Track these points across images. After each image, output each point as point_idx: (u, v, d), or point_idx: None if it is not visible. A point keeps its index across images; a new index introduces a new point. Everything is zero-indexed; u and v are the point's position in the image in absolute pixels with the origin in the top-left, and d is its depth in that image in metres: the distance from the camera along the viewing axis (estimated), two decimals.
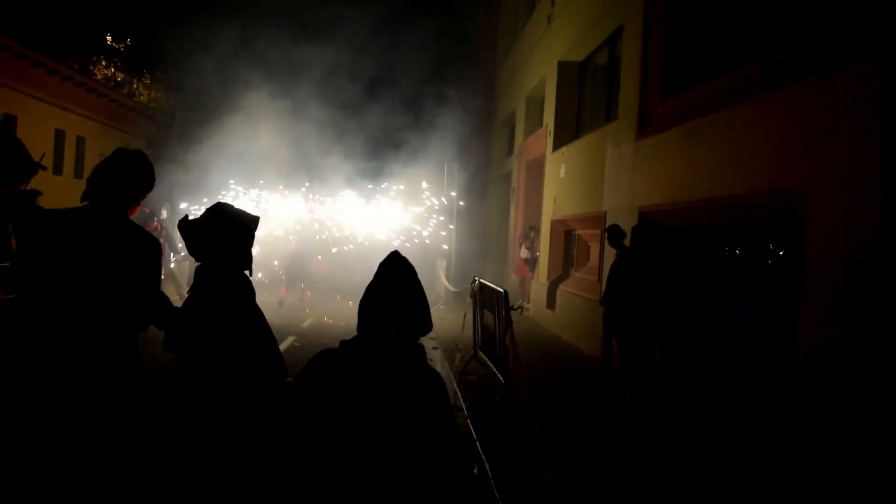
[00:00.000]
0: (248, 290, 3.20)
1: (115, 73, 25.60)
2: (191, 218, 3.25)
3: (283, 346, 9.92)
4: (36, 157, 4.19)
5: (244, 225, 3.20)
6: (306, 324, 12.58)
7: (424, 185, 19.80)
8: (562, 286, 12.94)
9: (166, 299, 3.27)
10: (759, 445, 5.40)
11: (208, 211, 3.20)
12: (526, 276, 16.08)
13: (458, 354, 9.56)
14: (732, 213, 7.08)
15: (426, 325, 2.53)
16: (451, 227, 18.97)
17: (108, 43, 25.50)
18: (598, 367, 9.11)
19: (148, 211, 14.97)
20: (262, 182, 19.43)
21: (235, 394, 3.00)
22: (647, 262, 7.58)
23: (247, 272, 3.24)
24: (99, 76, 23.62)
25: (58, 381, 2.92)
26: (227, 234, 3.15)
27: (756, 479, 5.13)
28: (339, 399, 2.37)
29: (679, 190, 7.99)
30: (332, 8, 22.90)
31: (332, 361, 2.46)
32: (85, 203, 3.11)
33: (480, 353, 8.70)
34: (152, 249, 3.17)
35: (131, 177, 3.18)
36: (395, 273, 2.54)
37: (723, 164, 7.04)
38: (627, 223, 9.35)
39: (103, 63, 24.84)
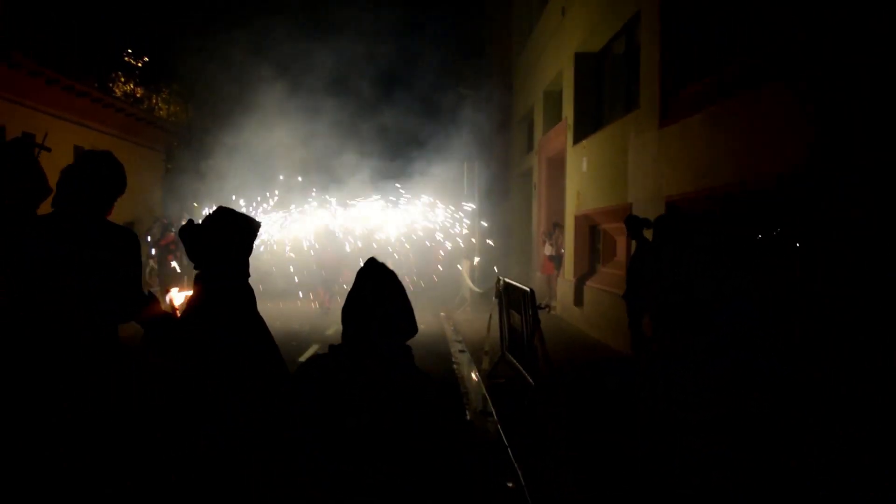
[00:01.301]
0: (249, 294, 3.14)
1: (134, 89, 25.74)
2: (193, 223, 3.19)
3: (307, 355, 9.77)
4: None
5: (246, 230, 3.11)
6: (331, 331, 12.41)
7: (436, 201, 19.69)
8: (588, 282, 12.65)
9: (153, 298, 3.28)
10: (760, 443, 5.31)
11: (211, 215, 3.10)
12: (552, 274, 15.79)
13: (486, 357, 9.32)
14: (760, 197, 6.78)
15: (409, 328, 2.58)
16: (480, 224, 18.73)
17: (127, 59, 25.65)
18: (628, 363, 8.82)
19: (166, 222, 14.94)
20: (276, 193, 19.35)
21: (236, 395, 3.00)
22: (664, 252, 7.29)
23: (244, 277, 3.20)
24: (118, 92, 23.75)
25: (54, 380, 2.97)
26: (229, 238, 3.11)
27: (757, 477, 4.99)
28: (337, 399, 2.41)
29: (705, 177, 7.70)
30: (346, 11, 22.83)
31: (327, 362, 2.51)
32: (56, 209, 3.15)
33: (508, 354, 8.45)
34: (131, 243, 3.23)
35: (100, 180, 3.22)
36: (372, 279, 2.59)
37: (750, 147, 6.74)
38: (654, 214, 9.05)
39: (122, 79, 24.98)
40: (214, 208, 3.14)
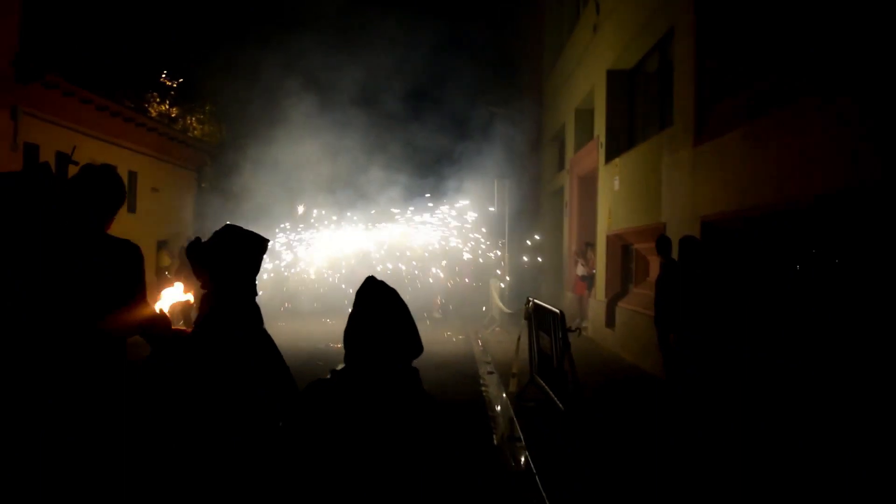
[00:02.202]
0: (256, 313, 3.06)
1: (169, 109, 26.10)
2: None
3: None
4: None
5: (253, 248, 3.00)
6: None
7: (472, 216, 19.59)
8: (620, 303, 12.37)
9: (164, 316, 3.24)
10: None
11: (218, 232, 2.99)
12: (583, 294, 15.52)
13: (514, 379, 9.10)
14: (804, 215, 6.52)
15: (414, 349, 2.49)
16: (499, 248, 18.54)
17: (163, 80, 26.05)
18: (660, 387, 8.56)
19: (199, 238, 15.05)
20: (306, 212, 19.38)
21: (239, 413, 2.94)
22: (691, 274, 7.52)
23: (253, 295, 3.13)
24: (153, 112, 24.07)
25: (53, 392, 2.94)
26: (236, 256, 3.03)
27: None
28: (340, 428, 2.35)
29: (743, 195, 7.45)
30: (377, 30, 22.93)
31: (327, 391, 2.43)
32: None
33: (538, 377, 8.23)
34: (133, 257, 3.16)
35: (99, 193, 3.15)
36: (374, 300, 2.50)
37: (794, 163, 6.49)
38: (689, 234, 8.81)
39: (157, 100, 25.34)
40: (223, 226, 3.05)
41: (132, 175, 18.59)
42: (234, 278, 2.99)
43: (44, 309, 2.97)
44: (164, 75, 26.59)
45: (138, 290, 3.20)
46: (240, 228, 3.05)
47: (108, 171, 3.28)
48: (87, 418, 2.97)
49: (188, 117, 27.02)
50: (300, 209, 19.64)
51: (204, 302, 2.99)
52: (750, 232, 7.61)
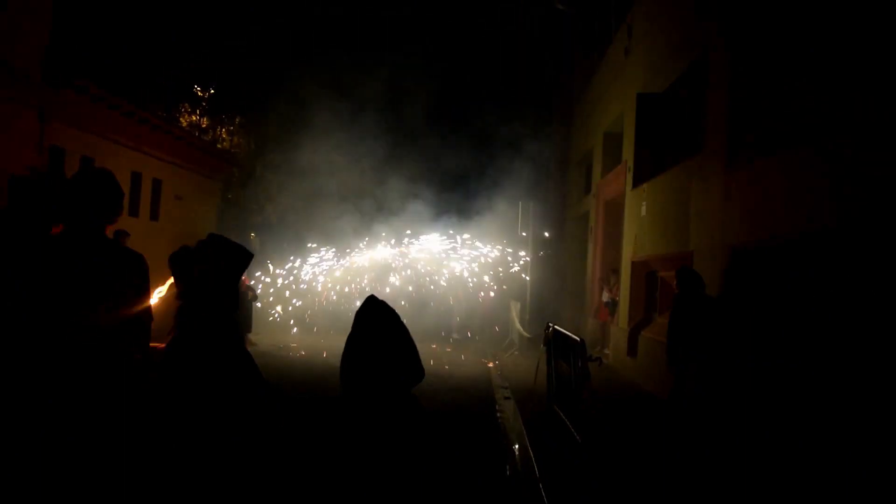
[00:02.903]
0: (232, 328, 3.02)
1: (199, 119, 26.24)
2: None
3: None
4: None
5: (235, 259, 2.85)
6: None
7: (501, 244, 19.45)
8: (644, 332, 12.03)
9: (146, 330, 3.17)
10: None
11: (203, 241, 2.85)
12: (606, 321, 15.17)
13: (532, 408, 8.81)
14: (835, 246, 6.21)
15: (414, 375, 2.38)
16: (522, 275, 18.24)
17: (195, 91, 26.23)
18: (663, 407, 8.35)
19: None
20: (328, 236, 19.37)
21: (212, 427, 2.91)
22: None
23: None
24: (184, 123, 24.19)
25: (53, 389, 2.92)
26: (217, 266, 2.90)
27: None
28: (337, 459, 2.26)
29: (778, 222, 7.14)
30: (407, 49, 22.94)
31: (326, 420, 2.33)
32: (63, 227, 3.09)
33: (555, 406, 7.92)
34: (138, 265, 3.12)
35: (100, 195, 3.12)
36: (375, 322, 2.36)
37: (827, 193, 6.19)
38: (718, 263, 8.51)
39: (188, 110, 25.49)
40: (208, 235, 2.90)
41: (157, 182, 18.59)
42: (212, 290, 2.82)
43: (43, 308, 2.96)
44: (196, 86, 26.79)
45: (138, 297, 3.12)
46: (225, 239, 2.92)
47: (106, 174, 3.26)
48: (85, 418, 2.94)
49: (218, 128, 27.15)
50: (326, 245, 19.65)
51: (177, 317, 2.83)
52: (782, 260, 7.29)
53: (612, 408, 9.08)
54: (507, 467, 6.59)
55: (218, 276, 2.89)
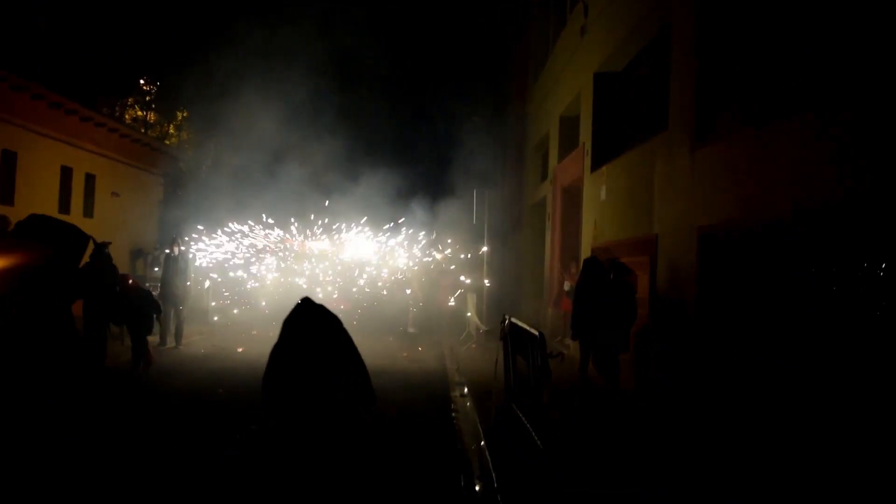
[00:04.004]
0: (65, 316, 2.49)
1: (146, 114, 25.12)
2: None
3: None
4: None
5: (64, 242, 2.28)
6: None
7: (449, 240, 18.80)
8: None
9: None
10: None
11: (21, 223, 2.23)
12: (569, 311, 14.60)
13: (491, 407, 8.17)
14: (813, 227, 5.70)
15: (362, 393, 1.88)
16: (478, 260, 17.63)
17: (142, 86, 25.11)
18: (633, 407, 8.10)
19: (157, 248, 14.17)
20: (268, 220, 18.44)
21: None
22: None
23: None
24: (128, 118, 23.06)
25: None
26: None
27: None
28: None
29: (749, 203, 6.60)
30: (357, 38, 22.16)
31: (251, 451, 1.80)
32: None
33: (514, 407, 7.28)
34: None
35: None
36: (309, 331, 1.90)
37: (804, 171, 5.65)
38: (684, 246, 7.97)
39: (133, 104, 24.37)
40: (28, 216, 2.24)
41: (90, 178, 17.53)
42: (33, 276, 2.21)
43: None
44: (142, 80, 25.69)
45: None
46: (51, 219, 2.31)
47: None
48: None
49: (165, 123, 26.07)
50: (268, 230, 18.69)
51: None
52: (753, 243, 6.76)
53: (574, 407, 8.49)
54: (462, 477, 5.93)
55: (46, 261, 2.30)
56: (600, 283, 8.76)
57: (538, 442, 5.97)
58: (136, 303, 10.05)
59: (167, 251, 13.12)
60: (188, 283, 13.02)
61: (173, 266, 12.76)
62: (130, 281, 10.39)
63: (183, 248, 13.27)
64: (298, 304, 1.72)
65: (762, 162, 6.45)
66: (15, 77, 13.55)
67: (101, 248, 9.77)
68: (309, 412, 1.68)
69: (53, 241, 2.84)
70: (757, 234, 6.64)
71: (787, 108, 6.16)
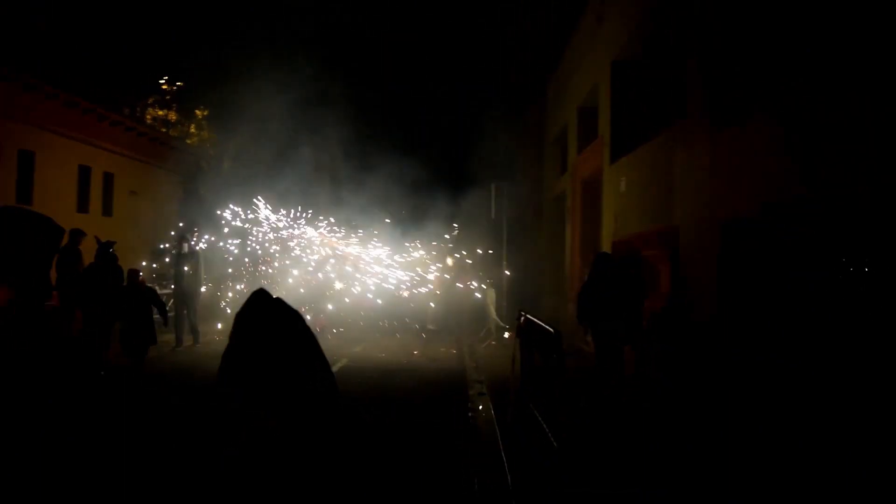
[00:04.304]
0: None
1: (167, 114, 25.14)
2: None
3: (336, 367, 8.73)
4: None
5: (34, 234, 2.04)
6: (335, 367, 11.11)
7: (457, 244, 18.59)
8: None
9: None
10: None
11: None
12: None
13: (508, 405, 7.96)
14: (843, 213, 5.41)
15: (323, 396, 1.84)
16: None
17: (162, 85, 25.14)
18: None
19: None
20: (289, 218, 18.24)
21: None
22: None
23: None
24: (149, 118, 23.07)
25: None
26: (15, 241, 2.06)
27: None
28: None
29: (772, 190, 6.33)
30: (378, 37, 22.03)
31: None
32: None
33: (531, 405, 7.07)
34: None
35: None
36: (263, 326, 1.86)
37: (832, 155, 5.38)
38: (707, 237, 7.70)
39: (154, 104, 24.40)
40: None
41: (108, 176, 17.53)
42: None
43: None
44: (163, 80, 25.71)
45: None
46: (22, 211, 2.07)
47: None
48: None
49: (186, 123, 26.11)
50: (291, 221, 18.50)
51: None
52: (779, 232, 6.48)
53: (593, 406, 8.26)
54: (476, 481, 5.73)
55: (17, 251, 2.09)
56: (605, 275, 8.86)
57: (553, 442, 5.75)
58: (143, 300, 9.86)
59: (174, 249, 12.93)
60: (201, 281, 12.84)
61: (183, 263, 12.57)
62: (140, 276, 10.29)
63: (193, 244, 13.02)
64: (253, 295, 1.57)
65: (781, 149, 6.18)
66: (28, 76, 13.54)
67: (106, 247, 9.66)
68: (275, 396, 1.53)
69: (24, 234, 2.62)
70: (783, 226, 6.37)
71: (805, 92, 5.88)
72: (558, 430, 5.88)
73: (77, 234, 10.55)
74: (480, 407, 8.66)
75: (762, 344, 6.30)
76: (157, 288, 13.74)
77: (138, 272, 10.31)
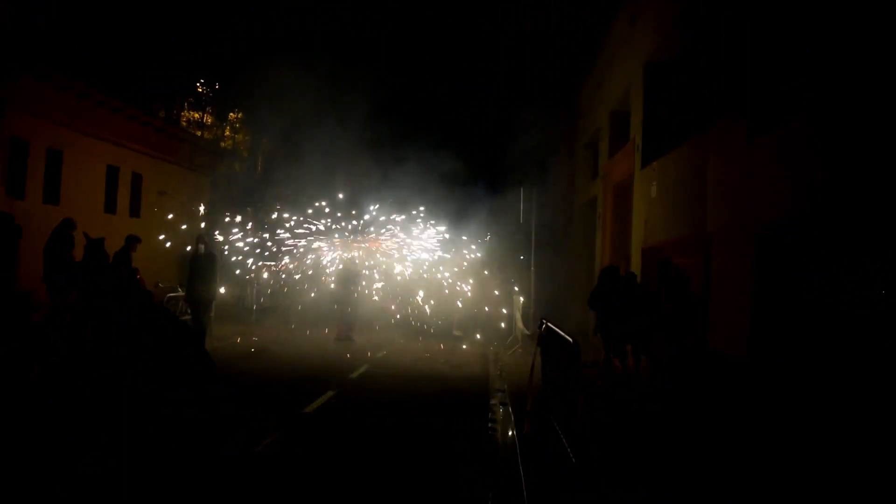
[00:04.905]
0: None
1: (202, 117, 25.26)
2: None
3: (319, 403, 8.35)
4: None
5: None
6: (355, 374, 10.87)
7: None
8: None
9: None
10: None
11: None
12: None
13: (526, 416, 7.66)
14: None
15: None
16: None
17: (198, 89, 25.26)
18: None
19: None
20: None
21: None
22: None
23: None
24: (183, 121, 23.18)
25: None
26: None
27: None
28: None
29: (818, 198, 5.96)
30: (408, 43, 21.88)
31: None
32: None
33: (551, 417, 6.77)
34: None
35: None
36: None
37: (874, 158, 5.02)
38: (739, 245, 7.34)
39: (189, 104, 24.51)
40: None
41: (136, 177, 17.56)
42: None
43: None
44: (199, 83, 25.84)
45: None
46: None
47: None
48: None
49: (221, 125, 26.23)
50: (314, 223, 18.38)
51: None
52: (818, 238, 6.11)
53: (615, 420, 7.92)
54: (490, 494, 5.45)
55: None
56: (615, 286, 9.72)
57: (572, 457, 5.45)
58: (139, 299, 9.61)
59: (191, 250, 12.61)
60: (216, 283, 12.46)
61: (197, 266, 12.20)
62: (139, 276, 10.18)
63: (208, 246, 12.65)
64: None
65: (820, 155, 5.82)
66: (60, 76, 13.56)
67: (95, 243, 9.55)
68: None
69: None
70: (821, 234, 6.00)
71: (854, 93, 5.53)
72: (577, 443, 5.60)
73: (132, 241, 10.85)
74: (501, 418, 8.37)
75: (798, 355, 5.95)
76: (180, 290, 13.64)
77: (136, 270, 10.17)
